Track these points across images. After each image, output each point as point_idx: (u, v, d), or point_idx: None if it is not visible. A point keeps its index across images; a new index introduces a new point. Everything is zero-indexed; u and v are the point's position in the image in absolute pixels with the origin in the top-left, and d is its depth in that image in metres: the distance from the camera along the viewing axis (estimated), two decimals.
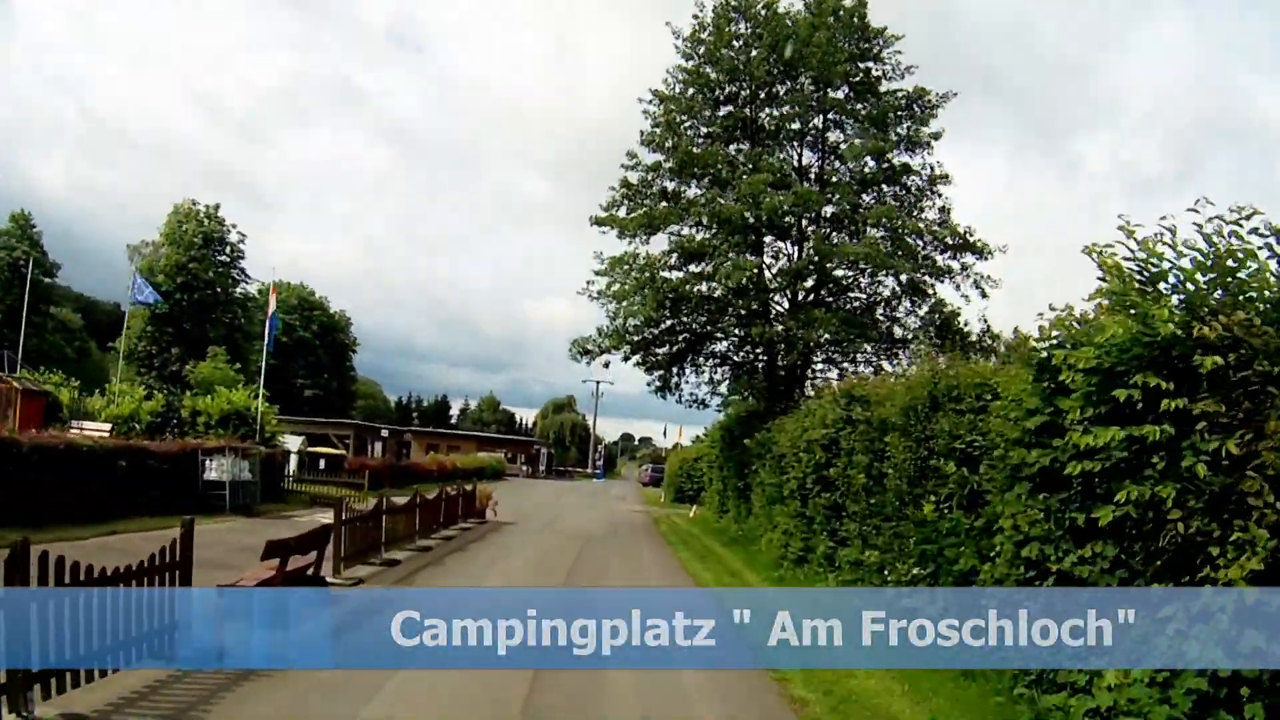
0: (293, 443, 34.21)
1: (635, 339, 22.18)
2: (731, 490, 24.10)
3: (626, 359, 22.56)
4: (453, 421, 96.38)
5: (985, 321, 20.22)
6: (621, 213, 21.73)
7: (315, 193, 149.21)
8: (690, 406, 24.00)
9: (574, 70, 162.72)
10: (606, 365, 22.41)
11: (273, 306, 28.31)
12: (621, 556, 17.18)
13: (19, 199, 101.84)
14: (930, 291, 22.17)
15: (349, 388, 66.10)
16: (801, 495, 15.53)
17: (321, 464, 33.56)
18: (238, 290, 56.88)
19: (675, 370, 23.43)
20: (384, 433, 37.31)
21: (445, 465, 46.66)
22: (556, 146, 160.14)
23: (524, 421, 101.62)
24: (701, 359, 23.61)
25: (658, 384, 23.80)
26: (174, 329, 52.76)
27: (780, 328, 20.14)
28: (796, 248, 22.91)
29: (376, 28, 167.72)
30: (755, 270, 20.38)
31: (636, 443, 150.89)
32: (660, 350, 22.98)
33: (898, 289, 22.24)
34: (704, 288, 21.86)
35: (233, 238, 55.26)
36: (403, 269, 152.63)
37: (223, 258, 55.14)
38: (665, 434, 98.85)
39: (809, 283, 22.88)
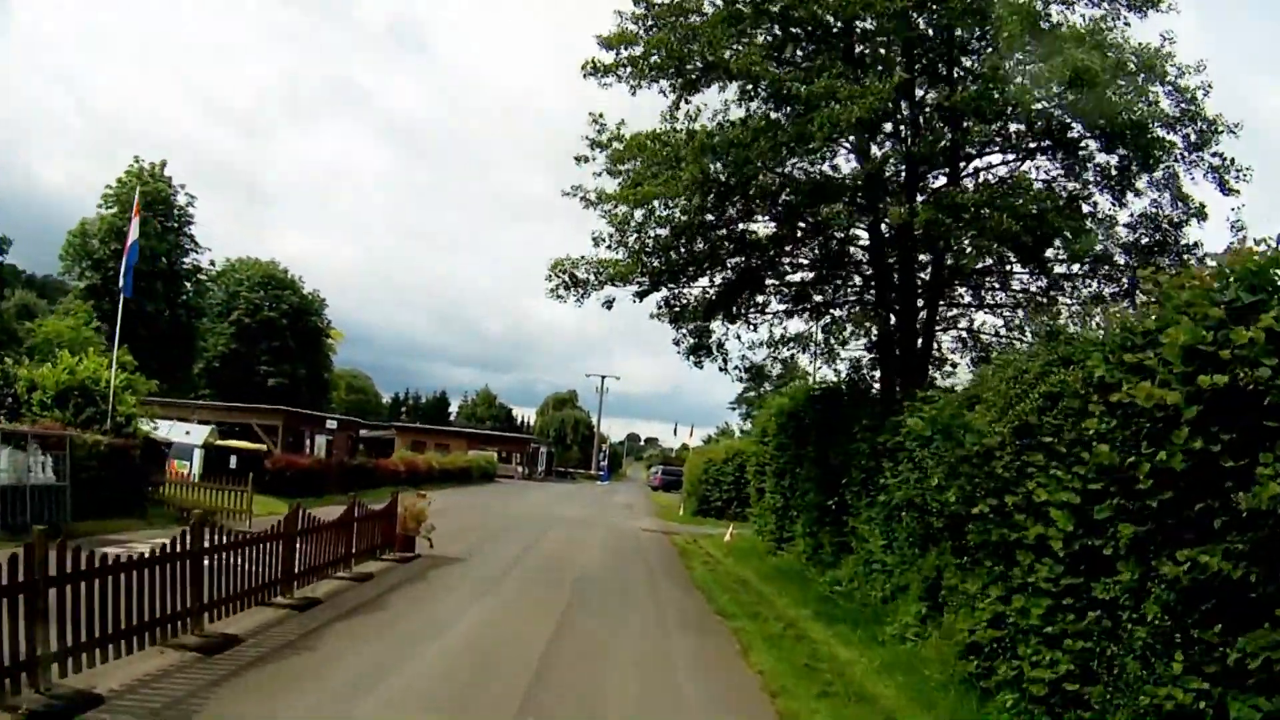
0: (196, 433, 25.05)
1: (658, 262, 12.87)
2: (803, 509, 14.81)
3: (642, 296, 13.31)
4: (451, 419, 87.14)
5: (1240, 227, 10.64)
6: (637, 48, 12.38)
7: (317, 191, 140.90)
8: (740, 379, 14.78)
9: (574, 67, 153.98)
10: (609, 305, 13.26)
11: (134, 234, 19.04)
12: (635, 665, 7.88)
13: (21, 194, 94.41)
14: (1144, 182, 12.75)
15: (323, 377, 56.82)
16: (1075, 550, 6.24)
17: (233, 462, 24.33)
18: (186, 261, 47.79)
19: (722, 314, 14.09)
20: (330, 424, 28.23)
21: (418, 466, 37.35)
22: (557, 144, 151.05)
23: (525, 419, 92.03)
24: (763, 296, 14.29)
25: (691, 344, 14.53)
26: (106, 300, 43.68)
27: (934, 215, 10.50)
28: (910, 129, 13.37)
29: (377, 26, 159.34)
30: (888, 102, 10.80)
31: (643, 443, 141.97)
32: (698, 283, 13.70)
33: (1090, 179, 12.81)
34: (770, 178, 12.45)
35: (181, 200, 46.22)
36: (405, 267, 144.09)
37: (169, 223, 45.99)
38: (675, 432, 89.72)
39: (935, 182, 13.44)
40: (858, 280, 14.12)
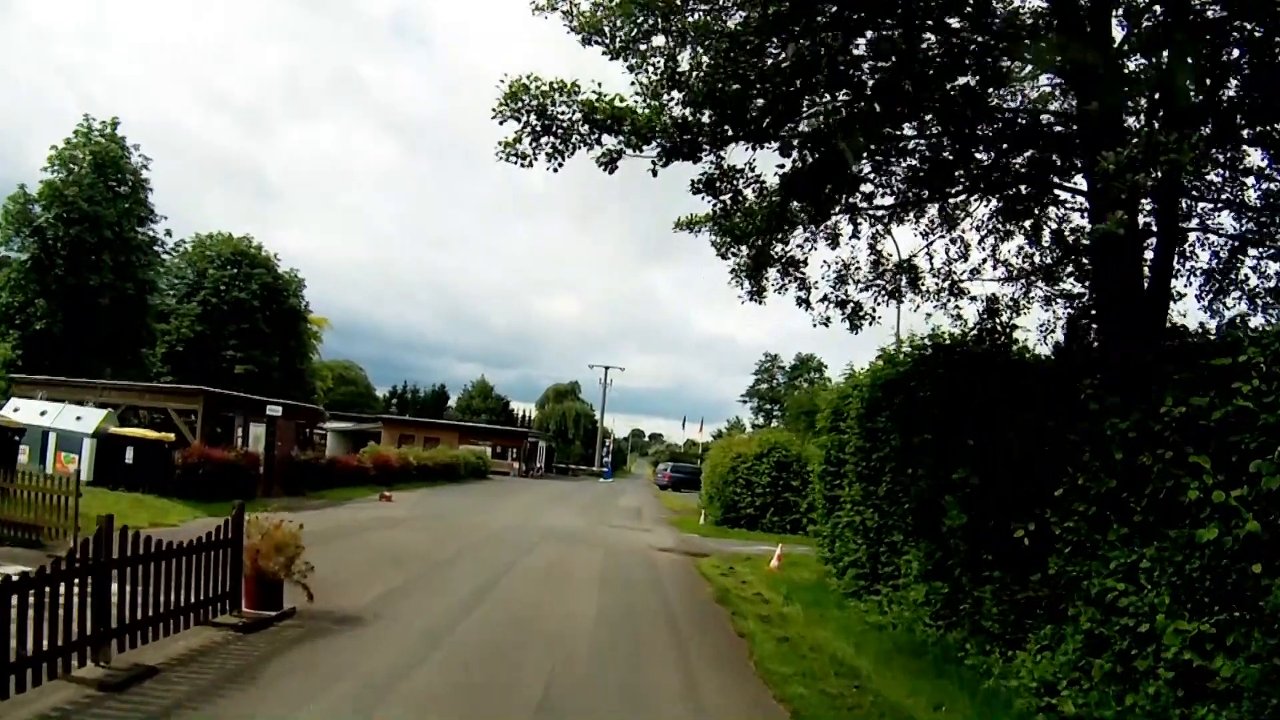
0: (89, 419, 19.28)
1: (698, 103, 6.92)
2: (925, 536, 8.89)
3: (668, 160, 7.18)
4: (451, 412, 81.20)
5: None
6: None
7: (321, 186, 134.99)
8: (824, 321, 8.85)
9: (576, 61, 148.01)
10: (608, 166, 7.18)
11: None
12: None
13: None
14: None
15: (299, 364, 51.01)
16: None
17: (129, 455, 18.52)
18: (142, 231, 42.03)
19: (801, 207, 8.01)
20: (272, 410, 22.35)
21: (389, 462, 31.50)
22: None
23: (525, 414, 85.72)
24: (868, 177, 8.20)
25: (749, 259, 8.54)
26: (51, 274, 38.11)
27: None
28: None
29: (380, 20, 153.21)
30: None
31: (647, 439, 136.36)
32: (765, 148, 7.60)
33: None
34: None
35: (135, 162, 40.49)
36: (410, 262, 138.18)
37: (120, 188, 40.20)
38: (684, 426, 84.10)
39: None
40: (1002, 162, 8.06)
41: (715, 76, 6.81)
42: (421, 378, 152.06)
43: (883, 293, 9.00)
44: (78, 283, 38.19)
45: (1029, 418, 7.07)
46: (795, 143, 7.53)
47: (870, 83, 7.55)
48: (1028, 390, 7.39)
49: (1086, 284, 8.24)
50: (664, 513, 28.21)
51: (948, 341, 9.41)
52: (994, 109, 8.14)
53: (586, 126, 6.95)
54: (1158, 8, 6.63)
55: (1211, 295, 8.70)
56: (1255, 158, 8.56)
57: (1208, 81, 6.53)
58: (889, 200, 8.62)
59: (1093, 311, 7.77)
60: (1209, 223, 8.91)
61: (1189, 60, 6.30)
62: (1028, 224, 9.28)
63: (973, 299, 10.03)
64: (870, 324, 8.94)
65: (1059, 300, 9.99)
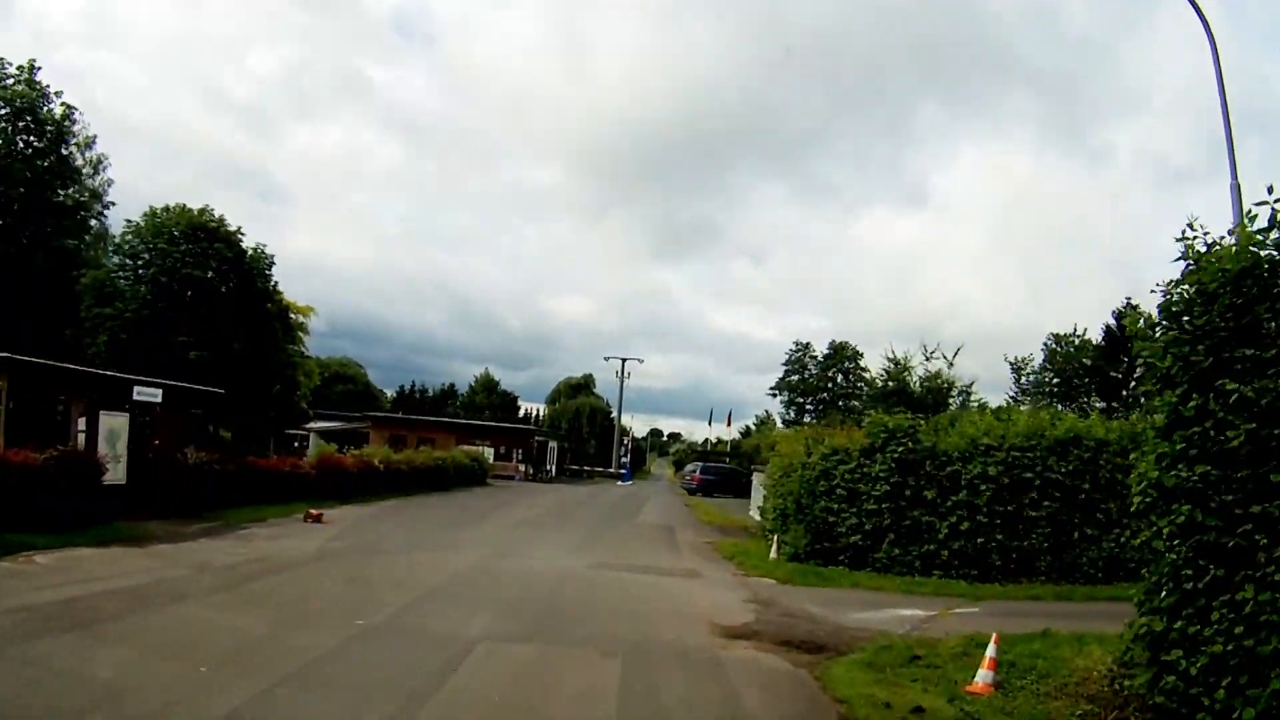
0: None
1: None
2: None
3: None
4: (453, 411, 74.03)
5: None
6: None
7: (331, 187, 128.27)
8: None
9: (585, 64, 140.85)
10: None
11: None
12: None
13: None
14: None
15: (273, 354, 43.88)
16: None
17: None
18: (68, 193, 35.16)
19: None
20: (145, 395, 15.10)
21: (343, 466, 24.16)
22: (567, 136, 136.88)
23: (537, 413, 78.08)
24: None
25: None
26: None
27: None
28: None
29: (383, 19, 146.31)
30: None
31: (666, 438, 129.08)
32: None
33: None
34: None
35: (57, 112, 33.59)
36: (420, 264, 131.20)
37: (39, 142, 33.24)
38: (710, 422, 76.47)
39: None
40: None
41: None
42: (433, 380, 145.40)
43: None
44: None
45: None
46: None
47: None
48: None
49: None
50: (705, 533, 20.54)
51: None
52: None
53: None
54: None
55: None
56: None
57: None
58: None
59: None
60: None
61: None
62: None
63: None
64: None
65: None
